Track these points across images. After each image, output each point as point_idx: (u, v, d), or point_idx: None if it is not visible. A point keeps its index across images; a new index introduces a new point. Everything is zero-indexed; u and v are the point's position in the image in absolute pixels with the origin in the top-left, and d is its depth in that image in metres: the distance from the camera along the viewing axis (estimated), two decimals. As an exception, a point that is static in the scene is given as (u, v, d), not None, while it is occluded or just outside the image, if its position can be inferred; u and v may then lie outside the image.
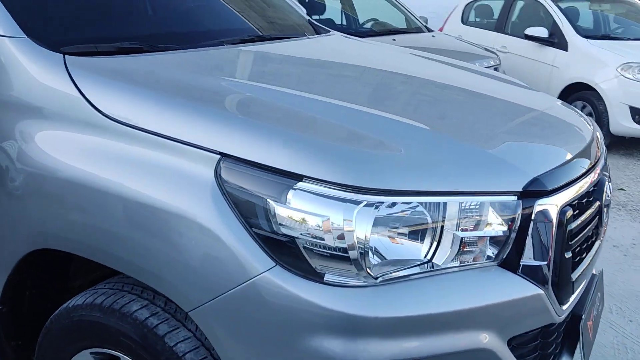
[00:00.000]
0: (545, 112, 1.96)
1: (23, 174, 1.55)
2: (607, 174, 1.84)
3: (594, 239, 1.74)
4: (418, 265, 1.36)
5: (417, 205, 1.34)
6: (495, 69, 5.32)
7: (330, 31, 2.88)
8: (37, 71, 1.58)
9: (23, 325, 1.81)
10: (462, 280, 1.38)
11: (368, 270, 1.29)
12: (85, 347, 1.62)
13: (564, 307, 1.53)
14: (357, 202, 1.28)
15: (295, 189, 1.29)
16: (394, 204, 1.32)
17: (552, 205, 1.44)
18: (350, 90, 1.86)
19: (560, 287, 1.47)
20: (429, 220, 1.35)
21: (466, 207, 1.39)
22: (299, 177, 1.29)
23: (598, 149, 1.82)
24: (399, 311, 1.29)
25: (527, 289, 1.42)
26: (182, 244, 1.33)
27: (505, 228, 1.41)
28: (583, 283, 1.68)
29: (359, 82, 2.01)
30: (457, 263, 1.39)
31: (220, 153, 1.34)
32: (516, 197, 1.42)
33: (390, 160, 1.37)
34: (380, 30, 5.93)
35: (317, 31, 2.80)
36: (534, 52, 6.93)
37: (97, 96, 1.49)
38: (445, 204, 1.36)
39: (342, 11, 6.67)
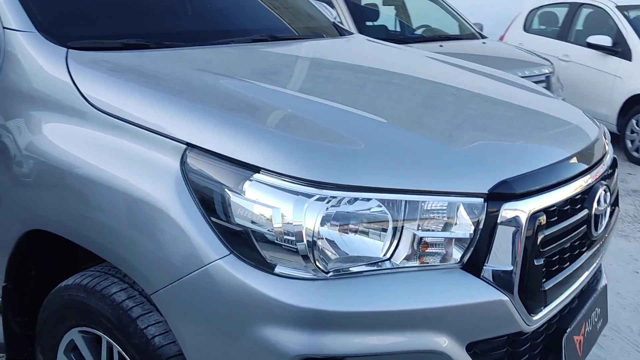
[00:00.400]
0: (544, 114, 1.90)
1: (28, 155, 1.66)
2: (608, 182, 1.76)
3: (582, 249, 1.67)
4: (375, 262, 1.35)
5: (376, 203, 1.34)
6: (547, 77, 5.15)
7: (353, 34, 2.90)
8: (42, 63, 1.70)
9: (28, 303, 1.93)
10: (420, 280, 1.37)
11: (317, 264, 1.30)
12: (73, 326, 1.71)
13: (536, 317, 1.47)
14: (309, 196, 1.29)
15: (251, 180, 1.32)
16: (352, 200, 1.33)
17: (521, 210, 1.40)
18: (335, 88, 1.87)
19: (529, 295, 1.43)
20: (389, 218, 1.35)
21: (429, 207, 1.37)
22: (257, 169, 1.32)
23: (596, 156, 1.75)
24: (347, 306, 1.30)
25: (489, 294, 1.39)
26: (146, 229, 1.40)
27: (470, 230, 1.39)
28: (566, 295, 1.60)
29: (348, 81, 2.02)
30: (416, 263, 1.38)
31: (187, 143, 1.39)
32: (482, 200, 1.39)
33: (349, 155, 1.38)
34: (430, 37, 5.86)
35: (341, 33, 2.83)
36: (597, 62, 6.64)
37: (86, 86, 1.58)
38: (406, 202, 1.35)
39: (395, 17, 6.66)
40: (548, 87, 5.15)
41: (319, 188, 1.30)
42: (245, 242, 1.32)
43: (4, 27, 1.77)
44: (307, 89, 1.78)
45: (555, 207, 1.50)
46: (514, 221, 1.39)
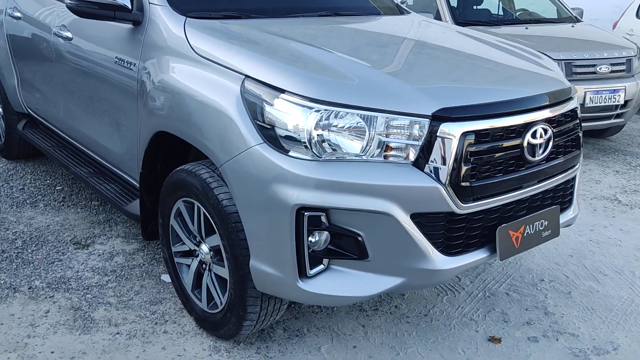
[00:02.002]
0: (511, 70, 2.54)
1: (157, 83, 2.62)
2: (554, 125, 2.36)
3: (518, 168, 2.29)
4: (354, 155, 2.13)
5: (357, 117, 2.11)
6: (628, 60, 5.40)
7: (411, 13, 3.60)
8: (170, 25, 2.65)
9: (156, 185, 2.90)
10: (382, 168, 2.12)
11: (314, 151, 2.10)
12: (179, 197, 2.65)
13: (466, 205, 2.16)
14: (311, 108, 2.10)
15: (278, 97, 2.15)
16: (343, 114, 2.11)
17: (454, 129, 2.10)
18: (356, 47, 2.64)
19: (456, 187, 2.12)
20: (365, 126, 2.12)
21: (391, 122, 2.12)
22: (283, 91, 2.15)
23: (537, 104, 2.33)
24: (332, 177, 2.08)
25: (427, 182, 2.11)
26: (219, 125, 2.28)
27: (418, 140, 2.11)
28: (500, 197, 2.25)
29: (371, 43, 2.77)
30: (381, 159, 2.14)
31: (245, 75, 2.25)
32: (428, 119, 2.11)
33: (344, 85, 2.16)
34: (524, 20, 6.27)
35: (401, 12, 3.55)
36: None
37: (193, 40, 2.51)
38: (376, 117, 2.11)
39: (499, 2, 7.08)
40: (629, 69, 5.40)
41: (318, 103, 2.10)
42: (272, 135, 2.16)
43: (150, 3, 2.74)
44: (334, 47, 2.55)
45: (488, 132, 2.17)
46: (447, 136, 2.10)
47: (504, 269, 3.40)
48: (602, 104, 5.27)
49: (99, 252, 3.44)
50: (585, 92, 5.15)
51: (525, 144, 2.27)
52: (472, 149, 2.14)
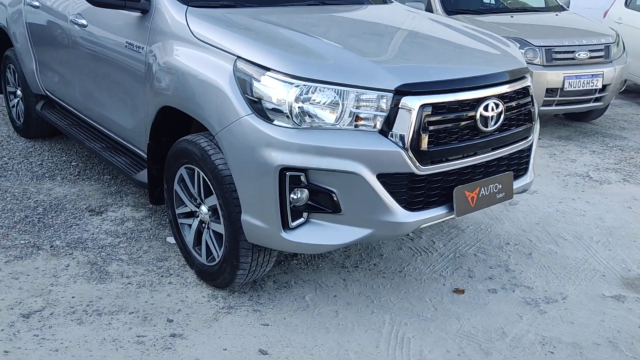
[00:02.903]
0: (473, 49, 2.91)
1: (162, 64, 3.00)
2: (504, 103, 2.72)
3: (472, 137, 2.66)
4: (329, 124, 2.51)
5: (333, 92, 2.49)
6: (607, 47, 5.72)
7: (393, 2, 3.96)
8: (173, 13, 3.03)
9: (162, 155, 3.29)
10: (352, 135, 2.50)
11: (294, 120, 2.48)
12: (181, 165, 3.04)
13: (424, 167, 2.54)
14: (291, 84, 2.47)
15: (264, 75, 2.53)
16: (320, 89, 2.49)
17: (414, 102, 2.47)
18: (334, 31, 3.01)
19: (416, 151, 2.49)
20: (338, 99, 2.49)
21: (361, 95, 2.49)
22: (268, 69, 2.53)
23: (491, 81, 2.70)
24: (308, 141, 2.46)
25: (390, 147, 2.49)
26: (214, 99, 2.66)
27: (384, 111, 2.49)
28: (456, 162, 2.62)
29: (347, 29, 3.14)
30: (352, 127, 2.51)
31: (237, 56, 2.63)
32: (392, 93, 2.48)
33: (320, 64, 2.53)
34: (512, 8, 6.62)
35: (384, 1, 3.91)
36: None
37: (193, 26, 2.89)
38: (347, 91, 2.49)
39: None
40: (607, 55, 5.73)
41: (298, 80, 2.47)
42: (259, 107, 2.53)
43: (155, -7, 3.13)
44: (315, 32, 2.91)
45: (444, 104, 2.54)
46: (408, 108, 2.47)
47: (475, 234, 3.78)
48: (581, 88, 5.60)
49: (111, 218, 3.84)
50: (564, 77, 5.49)
51: (478, 116, 2.64)
52: (430, 119, 2.51)
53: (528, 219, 4.04)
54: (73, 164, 4.74)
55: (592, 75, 5.61)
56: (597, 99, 5.77)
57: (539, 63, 5.47)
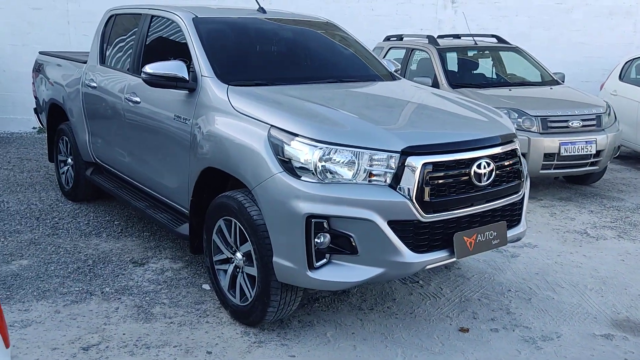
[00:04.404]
0: (468, 117, 3.44)
1: (206, 133, 3.57)
2: (494, 162, 3.22)
3: (469, 190, 3.14)
4: (347, 179, 3.02)
5: (350, 153, 3.01)
6: (598, 116, 6.27)
7: (401, 79, 4.56)
8: (216, 92, 3.63)
9: (201, 211, 3.80)
10: (366, 188, 3.00)
11: (319, 176, 2.99)
12: (220, 217, 3.55)
13: (428, 215, 3.01)
14: (316, 147, 3.01)
15: (294, 140, 3.07)
16: (338, 150, 3.01)
17: (417, 161, 2.98)
18: (352, 104, 3.58)
19: (420, 202, 2.98)
20: (354, 159, 3.01)
21: (372, 156, 3.01)
22: (296, 135, 3.07)
23: (484, 144, 3.21)
24: (330, 193, 2.96)
25: (398, 198, 2.98)
26: (251, 160, 3.19)
27: (392, 168, 3.00)
28: (456, 211, 3.10)
29: (364, 102, 3.71)
30: (366, 182, 3.02)
31: (271, 125, 3.19)
32: (399, 154, 3.00)
33: (339, 131, 3.08)
34: (513, 82, 7.26)
35: (393, 78, 4.52)
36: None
37: (234, 101, 3.47)
38: (362, 152, 3.01)
39: (492, 67, 8.09)
40: (599, 124, 6.27)
41: (322, 143, 3.01)
42: (289, 166, 3.06)
43: (202, 75, 3.74)
44: (335, 104, 3.49)
45: (442, 163, 3.05)
46: (412, 166, 2.98)
47: (479, 282, 4.19)
48: (577, 153, 6.11)
49: (152, 268, 4.32)
50: (559, 144, 6.01)
51: (472, 173, 3.14)
52: (431, 175, 3.01)
53: (528, 269, 4.44)
54: (116, 222, 5.27)
55: (586, 141, 6.13)
56: (592, 163, 6.25)
57: (536, 131, 6.02)
